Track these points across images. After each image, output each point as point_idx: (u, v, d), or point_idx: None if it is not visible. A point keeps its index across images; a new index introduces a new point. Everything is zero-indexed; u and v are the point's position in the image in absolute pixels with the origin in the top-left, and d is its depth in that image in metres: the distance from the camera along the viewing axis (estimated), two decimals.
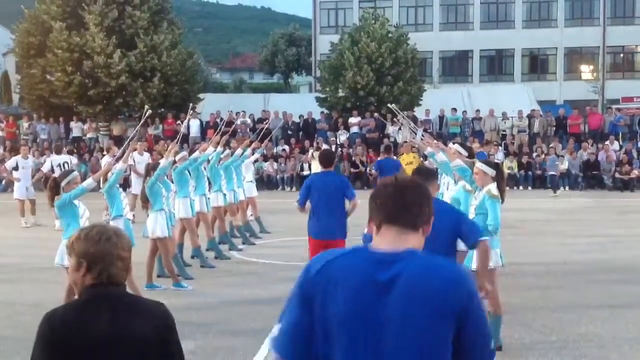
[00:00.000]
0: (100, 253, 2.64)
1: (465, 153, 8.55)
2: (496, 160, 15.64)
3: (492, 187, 6.60)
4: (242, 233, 13.54)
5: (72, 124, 29.13)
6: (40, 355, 2.68)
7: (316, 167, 20.52)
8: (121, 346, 2.64)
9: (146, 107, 8.97)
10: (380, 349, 2.33)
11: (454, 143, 9.62)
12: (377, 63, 29.20)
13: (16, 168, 16.79)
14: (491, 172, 6.68)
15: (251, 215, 14.65)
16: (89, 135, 28.77)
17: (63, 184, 6.92)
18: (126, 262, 2.70)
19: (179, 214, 10.57)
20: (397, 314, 2.31)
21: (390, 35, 30.49)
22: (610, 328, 7.44)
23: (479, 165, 6.81)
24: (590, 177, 24.66)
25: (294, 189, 25.73)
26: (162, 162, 9.55)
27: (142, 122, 8.69)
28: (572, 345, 6.86)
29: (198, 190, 11.39)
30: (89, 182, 7.28)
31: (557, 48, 44.34)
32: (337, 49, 31.04)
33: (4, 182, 26.57)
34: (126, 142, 8.58)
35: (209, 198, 11.81)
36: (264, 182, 25.15)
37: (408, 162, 16.71)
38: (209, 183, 12.32)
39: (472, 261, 6.64)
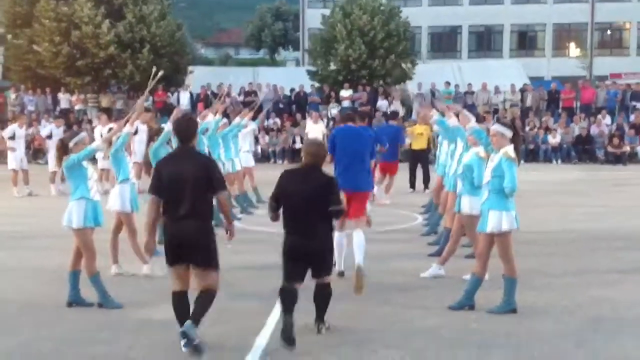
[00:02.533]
0: None
1: (473, 118, 8.49)
2: None
3: (509, 149, 6.53)
4: (240, 202, 13.44)
5: (60, 96, 28.70)
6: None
7: (313, 136, 20.46)
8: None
9: (154, 68, 8.69)
10: None
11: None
12: (369, 36, 28.97)
13: (12, 137, 16.51)
14: (508, 133, 6.60)
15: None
16: (77, 107, 28.39)
17: (71, 144, 6.76)
18: None
19: None
20: None
21: (382, 8, 30.25)
22: (621, 291, 7.46)
23: (495, 127, 6.73)
24: (582, 151, 24.76)
25: (285, 162, 25.64)
26: (167, 126, 9.38)
27: (152, 84, 8.40)
28: (585, 308, 6.86)
29: None
30: (98, 143, 7.12)
31: (545, 24, 44.27)
32: (329, 22, 30.75)
33: None
34: (136, 104, 8.37)
35: None
36: (256, 155, 24.95)
37: (419, 133, 16.59)
38: (209, 152, 12.15)
39: (486, 225, 6.60)
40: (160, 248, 9.56)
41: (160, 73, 8.61)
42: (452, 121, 8.48)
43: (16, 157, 16.38)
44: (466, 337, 6.00)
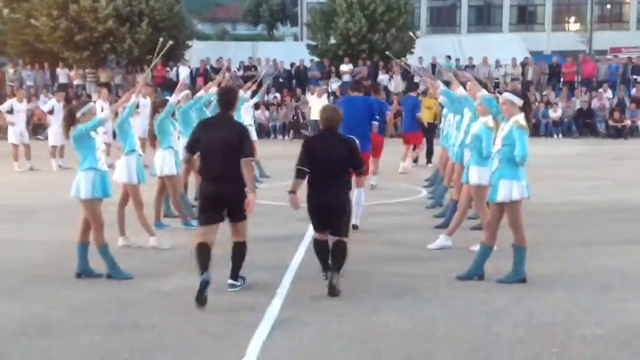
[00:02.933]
0: None
1: (481, 88, 8.42)
2: None
3: (520, 118, 6.48)
4: None
5: (59, 70, 28.53)
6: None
7: (316, 110, 20.33)
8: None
9: (161, 39, 8.54)
10: None
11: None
12: (370, 9, 28.76)
13: (10, 112, 16.40)
14: (519, 101, 6.55)
15: None
16: (75, 82, 28.22)
17: (78, 114, 6.69)
18: None
19: (183, 154, 10.36)
20: None
21: None
22: (629, 261, 7.47)
23: (505, 95, 6.68)
24: (583, 125, 24.72)
25: (286, 137, 25.57)
26: (172, 98, 9.32)
27: (160, 55, 8.25)
28: (595, 277, 6.86)
29: None
30: (106, 113, 7.06)
31: None
32: None
33: None
34: (144, 75, 8.28)
35: None
36: (255, 130, 24.87)
37: (427, 107, 16.57)
38: None
39: (496, 194, 6.58)
40: (167, 221, 9.63)
41: (170, 43, 8.43)
42: (459, 91, 8.42)
43: (15, 131, 16.30)
44: (476, 306, 6.00)
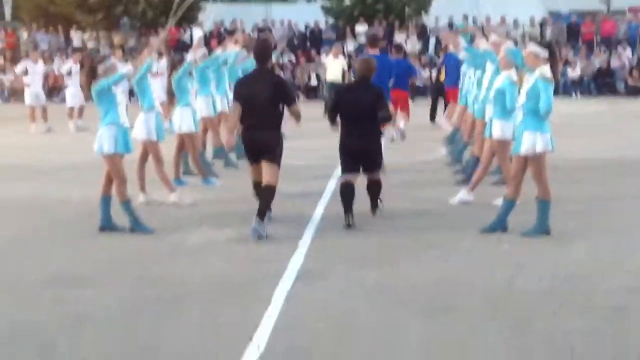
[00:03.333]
0: None
1: (506, 40, 8.30)
2: None
3: (545, 70, 6.36)
4: None
5: (72, 34, 28.40)
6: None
7: (332, 72, 20.17)
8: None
9: None
10: None
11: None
12: None
13: (25, 73, 16.38)
14: (543, 53, 6.42)
15: None
16: (89, 45, 28.08)
17: (100, 69, 6.65)
18: None
19: (201, 113, 10.32)
20: None
21: None
22: None
23: (530, 47, 6.55)
24: (602, 84, 24.39)
25: (300, 99, 25.42)
26: (189, 56, 9.24)
27: (176, 10, 8.09)
28: (619, 231, 6.81)
29: (219, 90, 11.10)
30: (129, 68, 7.00)
31: None
32: None
33: (6, 91, 26.16)
34: (162, 33, 8.15)
35: (229, 98, 11.54)
36: None
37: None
38: (229, 85, 11.99)
39: (520, 147, 6.50)
40: (186, 178, 9.63)
41: None
42: (482, 44, 8.29)
43: (32, 92, 16.29)
44: (500, 258, 5.98)
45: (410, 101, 14.68)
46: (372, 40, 10.91)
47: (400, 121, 13.42)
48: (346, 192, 7.18)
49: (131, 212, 6.89)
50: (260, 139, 6.79)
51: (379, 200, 7.52)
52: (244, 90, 6.90)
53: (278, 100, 6.80)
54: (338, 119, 7.35)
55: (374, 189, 7.45)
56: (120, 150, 6.72)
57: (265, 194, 6.85)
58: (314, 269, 5.75)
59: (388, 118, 7.49)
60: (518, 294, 5.13)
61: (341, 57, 21.58)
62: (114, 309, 4.93)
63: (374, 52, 10.53)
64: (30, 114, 16.31)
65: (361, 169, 7.33)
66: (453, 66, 14.81)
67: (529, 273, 5.59)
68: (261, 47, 7.08)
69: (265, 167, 6.85)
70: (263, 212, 6.76)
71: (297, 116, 6.95)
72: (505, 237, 6.57)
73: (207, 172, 9.63)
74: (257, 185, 7.08)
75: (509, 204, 6.71)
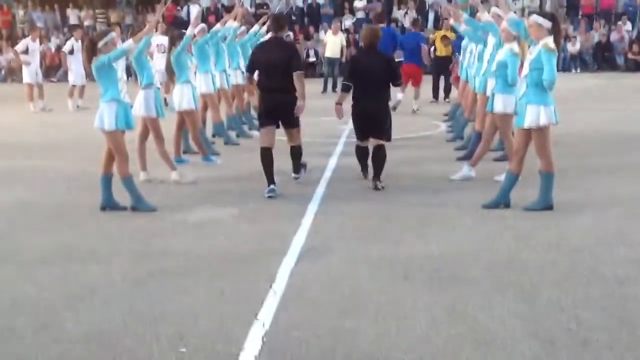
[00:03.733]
0: None
1: (504, 15, 8.21)
2: None
3: (549, 40, 6.29)
4: None
5: (69, 11, 28.18)
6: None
7: (331, 48, 20.04)
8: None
9: None
10: None
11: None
12: None
13: (25, 51, 16.27)
14: (547, 23, 6.35)
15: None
16: (86, 23, 27.87)
17: (100, 44, 6.56)
18: None
19: (200, 89, 10.25)
20: None
21: None
22: None
23: (533, 17, 6.48)
24: (602, 58, 24.28)
25: None
26: (188, 31, 9.16)
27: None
28: (623, 203, 6.81)
29: (218, 66, 11.04)
30: (129, 43, 6.89)
31: None
32: None
33: (3, 71, 26.01)
34: (158, 9, 8.05)
35: (229, 74, 11.48)
36: None
37: (443, 36, 16.28)
38: (228, 60, 11.90)
39: (523, 120, 6.46)
40: (186, 156, 9.59)
41: None
42: (484, 17, 8.21)
43: (31, 71, 16.20)
44: (504, 233, 5.97)
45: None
46: (377, 16, 13.40)
47: (398, 94, 13.63)
48: (362, 154, 7.99)
49: (133, 189, 6.85)
50: (278, 101, 7.39)
51: (379, 183, 7.63)
52: (262, 56, 7.51)
53: (291, 64, 7.34)
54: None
55: (379, 157, 7.69)
56: (121, 126, 6.67)
57: (294, 155, 7.87)
58: (317, 245, 5.74)
59: (399, 82, 8.07)
60: (522, 266, 5.13)
61: (340, 33, 21.46)
62: (118, 283, 4.92)
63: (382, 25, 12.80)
64: (29, 92, 16.21)
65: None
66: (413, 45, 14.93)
67: (533, 245, 5.58)
68: (276, 18, 8.04)
69: (287, 132, 7.75)
70: (298, 169, 7.99)
71: (301, 81, 7.37)
72: (508, 213, 6.56)
73: (208, 149, 9.59)
74: (264, 151, 7.49)
75: (513, 178, 6.69)
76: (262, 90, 7.52)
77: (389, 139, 7.81)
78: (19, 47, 16.62)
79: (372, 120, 7.66)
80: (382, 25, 12.88)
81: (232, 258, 5.46)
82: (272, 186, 7.38)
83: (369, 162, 7.92)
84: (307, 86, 7.64)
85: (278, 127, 7.65)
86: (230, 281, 4.95)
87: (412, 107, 14.49)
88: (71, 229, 6.35)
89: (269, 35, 14.58)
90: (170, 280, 4.97)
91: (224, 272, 5.14)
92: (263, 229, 6.27)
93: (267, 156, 7.47)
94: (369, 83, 7.56)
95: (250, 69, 7.69)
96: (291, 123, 7.59)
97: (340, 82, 8.44)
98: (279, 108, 7.44)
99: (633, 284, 4.72)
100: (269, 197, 7.30)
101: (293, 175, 8.02)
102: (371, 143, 7.81)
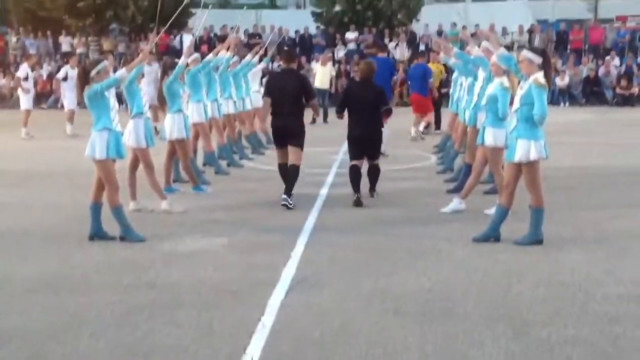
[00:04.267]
0: None
1: (494, 50, 8.30)
2: None
3: (539, 76, 6.36)
4: (251, 142, 13.33)
5: (61, 39, 28.27)
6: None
7: (320, 79, 20.15)
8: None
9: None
10: None
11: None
12: None
13: (26, 78, 16.35)
14: (537, 59, 6.42)
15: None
16: (78, 50, 27.91)
17: (93, 73, 6.57)
18: None
19: (192, 119, 10.26)
20: None
21: None
22: None
23: (524, 52, 6.55)
24: (590, 92, 24.52)
25: None
26: (180, 60, 9.19)
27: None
28: (613, 239, 6.82)
29: (209, 96, 11.06)
30: (122, 72, 6.90)
31: None
32: None
33: None
34: (151, 38, 8.08)
35: (220, 104, 11.51)
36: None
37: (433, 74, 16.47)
38: (220, 90, 11.94)
39: (513, 154, 6.50)
40: (177, 185, 9.58)
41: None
42: (475, 51, 8.29)
43: (29, 98, 16.33)
44: (494, 267, 5.97)
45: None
46: (382, 46, 14.88)
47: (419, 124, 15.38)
48: (355, 174, 8.60)
49: (122, 219, 6.82)
50: (287, 125, 8.36)
51: (374, 192, 8.94)
52: (275, 84, 8.62)
53: (302, 93, 8.40)
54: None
55: (374, 173, 8.91)
56: (112, 155, 6.65)
57: (292, 172, 8.44)
58: (308, 277, 5.71)
59: (390, 111, 9.09)
60: (513, 301, 5.12)
61: (329, 64, 21.62)
62: (106, 315, 4.87)
63: (383, 55, 13.71)
64: (25, 119, 16.23)
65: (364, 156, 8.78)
66: (419, 78, 15.28)
67: (524, 281, 5.57)
68: (288, 51, 9.40)
69: (291, 151, 8.43)
70: (291, 188, 8.38)
71: (315, 108, 9.26)
72: (499, 247, 6.57)
73: (198, 179, 9.58)
74: (281, 166, 8.65)
75: (503, 212, 6.70)
76: (274, 114, 8.46)
77: (378, 156, 8.96)
78: (20, 73, 16.71)
79: (366, 144, 8.66)
80: (382, 55, 13.67)
81: (221, 289, 5.42)
82: (286, 196, 8.31)
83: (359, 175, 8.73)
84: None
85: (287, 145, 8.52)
86: (220, 313, 4.91)
87: (411, 133, 15.13)
88: (59, 259, 6.30)
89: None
90: (159, 313, 4.92)
91: (214, 304, 5.10)
92: (253, 259, 6.24)
93: (283, 170, 8.58)
94: (363, 111, 8.53)
95: (266, 94, 8.63)
96: (296, 143, 8.43)
97: (330, 112, 9.61)
98: (288, 129, 8.39)
99: (623, 321, 4.71)
100: (283, 205, 8.23)
101: (283, 197, 8.28)
102: (365, 162, 8.77)
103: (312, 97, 8.66)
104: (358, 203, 8.38)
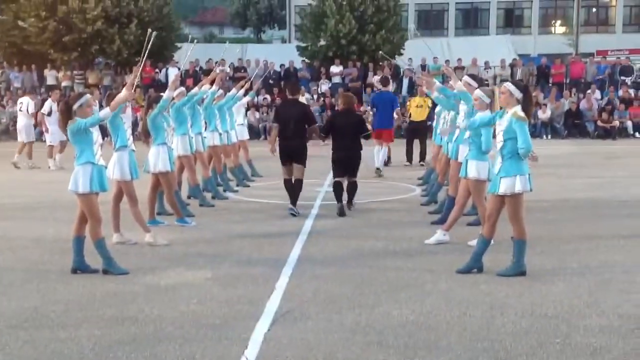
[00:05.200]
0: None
1: (475, 84, 8.42)
2: None
3: (518, 109, 6.43)
4: (236, 175, 13.34)
5: (46, 72, 28.33)
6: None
7: None
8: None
9: (149, 30, 8.32)
10: None
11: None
12: (359, 10, 28.78)
13: (49, 114, 16.60)
14: (518, 94, 6.51)
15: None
16: (63, 84, 27.99)
17: (75, 107, 6.58)
18: None
19: (178, 152, 10.29)
20: None
21: None
22: (630, 256, 7.46)
23: (506, 85, 6.64)
24: (572, 125, 24.83)
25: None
26: (166, 94, 9.23)
27: (146, 48, 7.93)
28: (595, 271, 6.85)
29: (194, 129, 11.09)
30: (106, 112, 6.87)
31: (532, 1, 44.22)
32: None
33: None
34: (134, 73, 8.11)
35: (205, 137, 11.54)
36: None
37: (418, 105, 16.58)
38: (205, 123, 11.99)
39: (497, 187, 6.56)
40: (161, 218, 9.53)
41: (154, 34, 8.13)
42: (458, 86, 8.39)
43: (54, 132, 16.36)
44: (477, 299, 5.97)
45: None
46: (384, 81, 15.74)
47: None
48: (337, 189, 10.16)
49: (105, 252, 6.78)
50: (292, 146, 9.99)
51: (352, 202, 10.43)
52: (282, 112, 10.33)
53: (304, 120, 10.06)
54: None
55: (352, 188, 10.37)
56: (95, 189, 6.64)
57: (296, 186, 10.08)
58: (291, 310, 5.69)
59: (368, 136, 10.86)
60: (496, 333, 5.12)
61: (306, 96, 21.73)
62: (87, 350, 4.81)
63: (386, 89, 15.52)
64: (50, 151, 16.57)
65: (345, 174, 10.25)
66: (385, 108, 14.89)
67: (507, 313, 5.58)
68: (292, 84, 11.39)
69: (296, 167, 10.07)
70: (296, 198, 10.06)
71: (317, 133, 10.56)
72: (482, 278, 6.58)
73: (182, 211, 9.56)
74: (286, 181, 10.17)
75: (485, 243, 6.73)
76: (281, 137, 10.05)
77: (356, 174, 10.39)
78: (45, 109, 16.83)
79: (347, 164, 10.21)
80: (386, 89, 15.34)
81: (204, 323, 5.38)
82: (292, 207, 9.95)
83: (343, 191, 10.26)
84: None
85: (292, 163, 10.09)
86: (202, 347, 4.87)
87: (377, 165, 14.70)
88: (40, 293, 6.24)
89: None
90: (141, 347, 4.87)
91: (196, 338, 5.06)
92: (237, 292, 6.21)
93: (289, 184, 10.11)
94: (345, 136, 10.14)
95: (275, 121, 10.39)
96: (300, 161, 10.04)
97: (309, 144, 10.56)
98: (292, 149, 9.99)
99: (605, 353, 4.72)
100: (291, 214, 9.84)
101: (290, 207, 9.99)
102: (345, 179, 10.22)
103: (313, 122, 10.32)
104: (342, 212, 9.91)
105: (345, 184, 10.21)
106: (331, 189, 10.84)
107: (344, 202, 10.13)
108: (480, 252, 6.75)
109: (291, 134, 9.91)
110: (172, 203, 9.34)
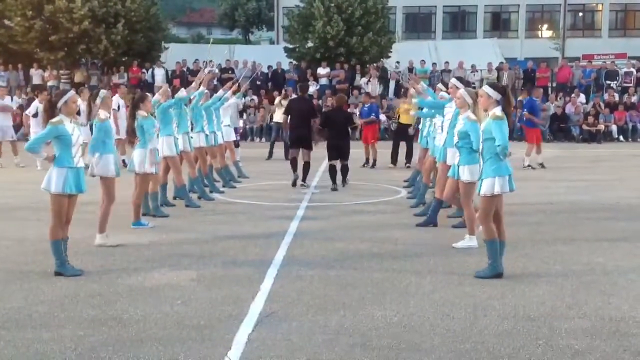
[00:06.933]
0: None
1: (462, 87, 8.46)
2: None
3: (497, 110, 6.48)
4: (222, 176, 13.33)
5: (32, 71, 28.16)
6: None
7: (279, 116, 20.21)
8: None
9: (210, 40, 8.38)
10: None
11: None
12: (347, 13, 28.82)
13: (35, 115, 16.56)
14: (496, 95, 6.55)
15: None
16: (49, 83, 27.81)
17: (60, 104, 6.55)
18: None
19: (163, 152, 10.28)
20: None
21: None
22: (611, 258, 7.51)
23: (484, 87, 6.69)
24: (558, 129, 24.97)
25: (263, 139, 25.49)
26: (155, 97, 9.20)
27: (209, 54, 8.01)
28: (578, 273, 6.89)
29: (180, 129, 11.08)
30: (86, 131, 6.91)
31: (519, 5, 44.49)
32: None
33: None
34: (200, 73, 8.27)
35: (191, 137, 11.53)
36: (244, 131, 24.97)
37: (406, 109, 16.67)
38: (191, 124, 11.99)
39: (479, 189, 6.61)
40: (146, 219, 9.48)
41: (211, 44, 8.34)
42: (443, 92, 8.46)
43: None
44: (462, 300, 6.00)
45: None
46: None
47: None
48: (332, 170, 12.86)
49: (59, 254, 6.72)
50: (300, 134, 12.98)
51: (346, 180, 13.29)
52: (293, 107, 13.29)
53: (310, 113, 13.10)
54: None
55: (344, 170, 13.16)
56: (69, 190, 6.62)
57: (305, 166, 13.03)
58: (275, 311, 5.69)
59: (355, 128, 14.40)
60: (479, 334, 5.15)
61: (293, 97, 21.68)
62: (70, 350, 4.79)
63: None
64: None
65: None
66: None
67: (490, 314, 5.61)
68: (302, 85, 14.47)
69: (304, 152, 12.97)
70: (306, 175, 13.12)
71: (316, 124, 13.06)
72: (467, 280, 6.62)
73: (156, 212, 9.84)
74: (293, 159, 13.24)
75: (493, 245, 6.65)
76: (292, 127, 13.21)
77: (347, 158, 13.06)
78: (31, 110, 16.76)
79: (340, 150, 12.86)
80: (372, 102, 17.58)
81: (188, 324, 5.38)
82: (301, 182, 13.02)
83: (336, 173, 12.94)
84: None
85: (299, 148, 13.04)
86: (186, 348, 4.87)
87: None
88: (23, 294, 6.20)
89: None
90: (124, 348, 4.86)
91: (179, 339, 5.05)
92: (221, 293, 6.20)
93: (294, 162, 13.14)
94: (336, 127, 12.83)
95: (286, 113, 13.50)
96: (307, 147, 12.97)
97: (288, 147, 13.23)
98: (301, 137, 12.96)
99: (587, 356, 4.76)
100: (302, 185, 12.88)
101: (301, 183, 13.04)
102: (339, 162, 12.87)
103: (316, 117, 13.27)
104: (334, 190, 12.57)
105: (338, 167, 12.82)
106: (318, 192, 12.73)
107: (336, 181, 12.78)
108: (494, 255, 6.62)
109: (299, 124, 12.90)
110: (137, 205, 9.20)
